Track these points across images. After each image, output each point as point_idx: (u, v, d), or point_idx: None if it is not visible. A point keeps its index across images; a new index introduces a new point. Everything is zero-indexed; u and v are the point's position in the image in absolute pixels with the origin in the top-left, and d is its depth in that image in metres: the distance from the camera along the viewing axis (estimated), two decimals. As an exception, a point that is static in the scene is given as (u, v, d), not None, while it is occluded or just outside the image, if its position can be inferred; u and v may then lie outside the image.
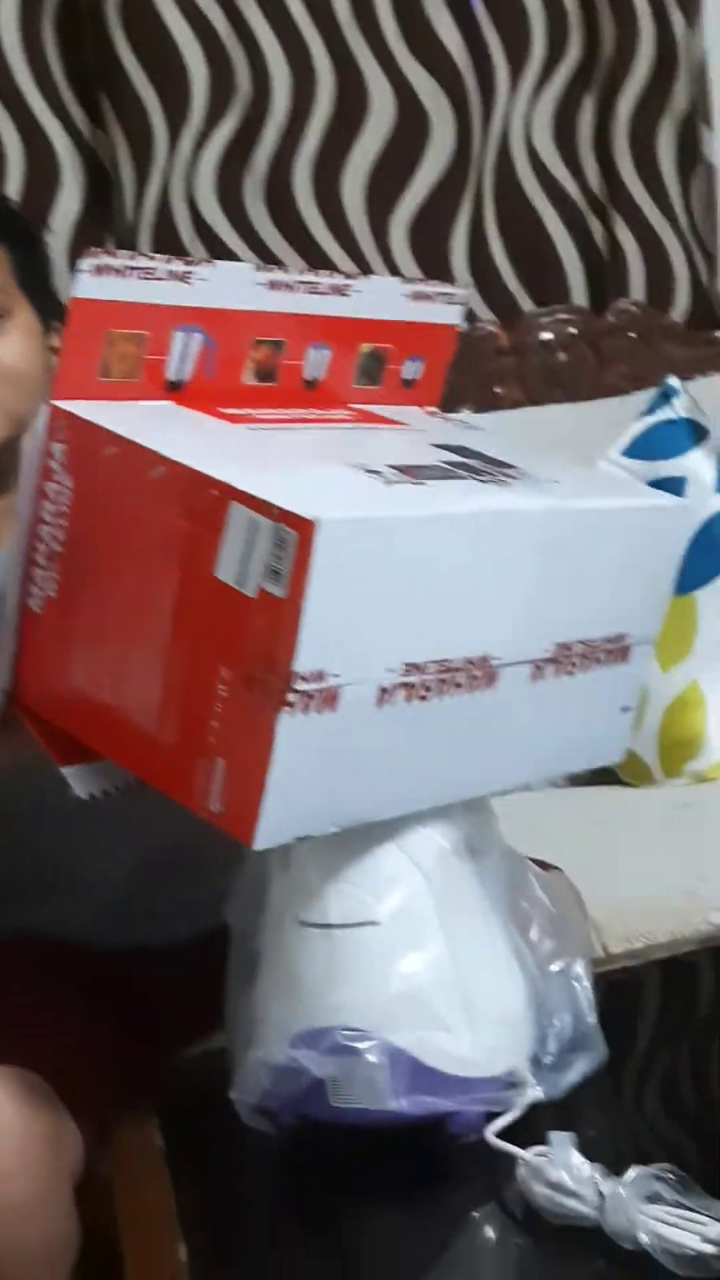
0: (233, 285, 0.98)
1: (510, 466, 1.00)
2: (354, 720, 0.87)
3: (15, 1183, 1.03)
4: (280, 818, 0.88)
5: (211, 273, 0.97)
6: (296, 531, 0.82)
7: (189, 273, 0.95)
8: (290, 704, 0.84)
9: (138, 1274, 0.94)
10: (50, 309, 1.25)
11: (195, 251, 1.75)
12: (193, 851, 1.20)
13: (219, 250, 1.76)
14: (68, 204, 1.74)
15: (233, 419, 0.99)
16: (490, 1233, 0.96)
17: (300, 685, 0.84)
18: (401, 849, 1.00)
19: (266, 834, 0.88)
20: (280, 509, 0.83)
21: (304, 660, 0.83)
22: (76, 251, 1.72)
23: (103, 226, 1.76)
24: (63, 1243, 1.08)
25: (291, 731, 0.84)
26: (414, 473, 0.94)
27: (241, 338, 1.00)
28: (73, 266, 1.59)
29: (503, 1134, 0.96)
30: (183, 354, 0.98)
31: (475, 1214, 0.96)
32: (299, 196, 1.77)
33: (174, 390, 0.99)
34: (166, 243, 1.74)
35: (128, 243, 1.74)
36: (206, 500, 0.86)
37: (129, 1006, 1.24)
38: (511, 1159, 0.93)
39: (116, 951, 1.27)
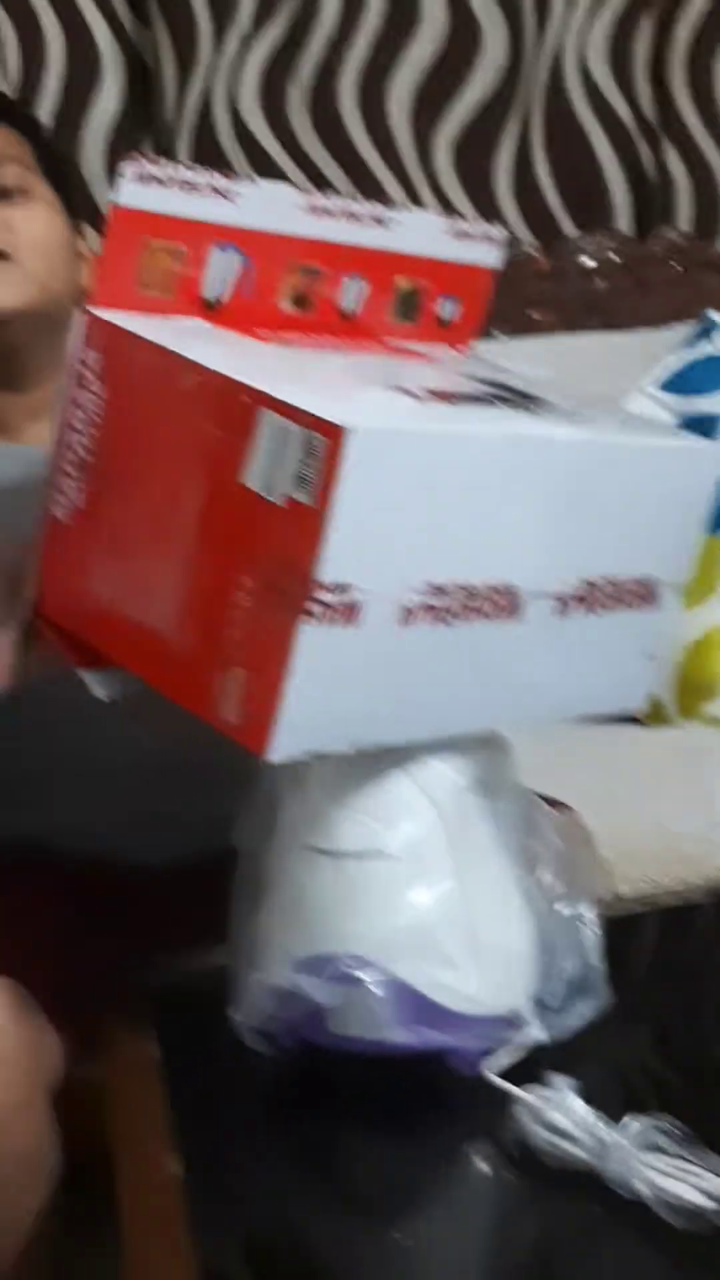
0: (274, 206, 0.96)
1: (544, 400, 0.99)
2: (375, 638, 0.86)
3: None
4: (296, 730, 0.87)
5: (253, 190, 0.95)
6: (327, 438, 0.81)
7: (230, 189, 0.93)
8: (312, 614, 0.83)
9: (127, 1185, 0.94)
10: (76, 208, 1.25)
11: (236, 160, 1.72)
12: (204, 767, 1.21)
13: (260, 159, 1.73)
14: (107, 101, 1.70)
15: (267, 340, 0.98)
16: (484, 1169, 0.96)
17: (322, 595, 0.83)
18: (415, 781, 0.99)
19: (281, 746, 0.87)
20: (312, 415, 0.81)
21: (328, 570, 0.82)
22: (114, 149, 1.70)
23: (142, 127, 1.72)
24: (40, 1152, 1.08)
25: (311, 642, 0.84)
26: (447, 396, 0.93)
27: (279, 261, 0.98)
28: (110, 166, 1.59)
29: (502, 1074, 0.96)
30: (220, 273, 0.97)
31: (469, 1149, 0.96)
32: (344, 107, 1.73)
33: (209, 309, 0.98)
34: (207, 149, 1.71)
35: (167, 145, 1.70)
36: (237, 406, 0.85)
37: (127, 916, 1.24)
38: (509, 1098, 0.93)
39: (120, 861, 1.27)
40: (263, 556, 0.85)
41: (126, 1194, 0.93)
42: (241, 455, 0.85)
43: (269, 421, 0.83)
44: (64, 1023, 1.10)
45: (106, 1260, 1.18)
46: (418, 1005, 0.96)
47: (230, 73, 1.69)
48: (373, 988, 0.95)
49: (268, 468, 0.84)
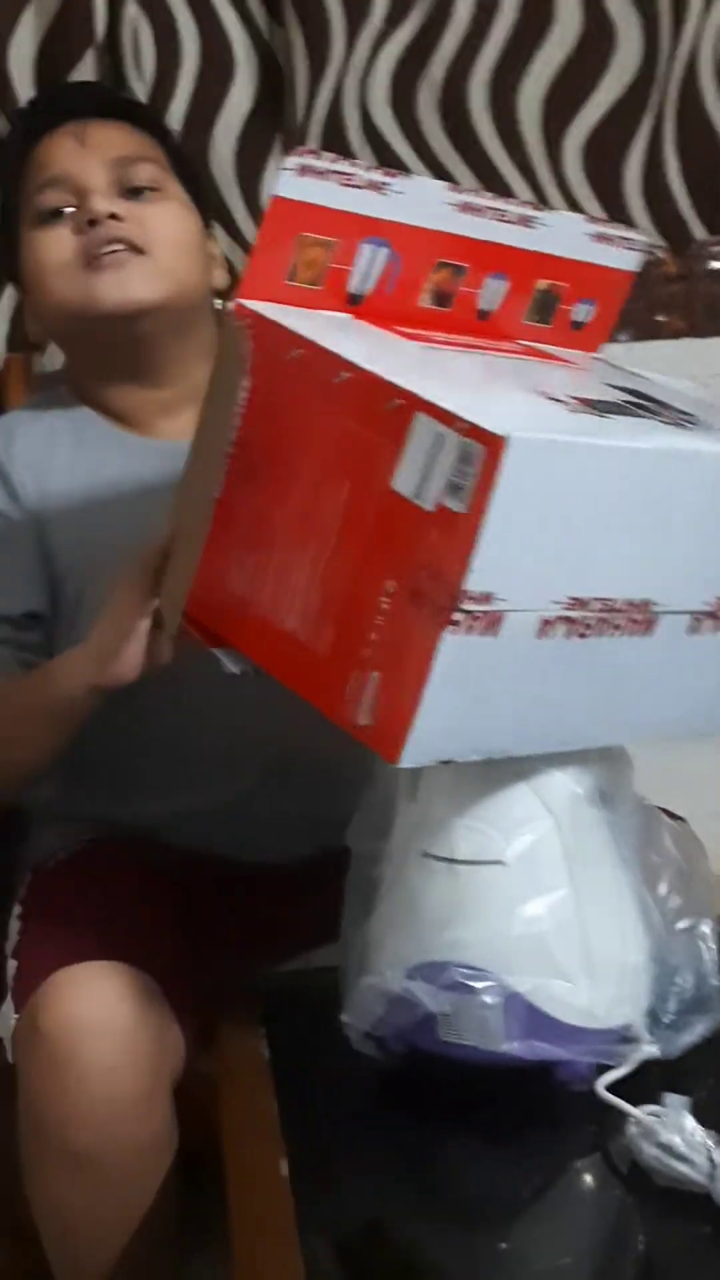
0: (425, 202, 0.96)
1: (686, 412, 0.97)
2: (513, 648, 0.86)
3: (122, 1077, 1.05)
4: (428, 738, 0.87)
5: (406, 186, 0.95)
6: (485, 447, 0.80)
7: (385, 183, 0.93)
8: (455, 622, 0.82)
9: (237, 1183, 0.95)
10: (206, 209, 1.26)
11: (363, 158, 1.71)
12: (323, 765, 1.22)
13: (389, 159, 1.72)
14: (239, 99, 1.71)
15: (409, 338, 0.97)
16: (591, 1183, 0.96)
17: (467, 605, 0.82)
18: (534, 791, 0.99)
19: (412, 752, 0.87)
20: (469, 423, 0.81)
21: (475, 580, 0.82)
22: (244, 149, 1.70)
23: (272, 126, 1.72)
24: (163, 1141, 1.10)
25: (452, 650, 0.83)
26: (593, 405, 0.92)
27: (425, 257, 0.99)
28: (240, 165, 1.60)
29: (613, 1089, 0.95)
30: (368, 267, 0.97)
31: (577, 1163, 0.96)
32: (473, 107, 1.71)
33: (354, 303, 0.98)
34: (336, 148, 1.70)
35: (296, 145, 1.70)
36: (390, 409, 0.84)
37: (243, 911, 1.25)
38: (620, 1114, 0.93)
39: (237, 858, 1.28)
40: (408, 561, 0.84)
41: (236, 1192, 0.93)
42: (392, 458, 0.84)
43: (424, 426, 0.83)
44: (183, 1017, 1.11)
45: (216, 1254, 1.20)
46: (530, 1017, 0.95)
47: (361, 72, 1.69)
48: (485, 997, 0.95)
49: (420, 473, 0.83)
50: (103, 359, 1.26)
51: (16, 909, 1.25)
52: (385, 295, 0.98)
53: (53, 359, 1.70)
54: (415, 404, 0.83)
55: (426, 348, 0.97)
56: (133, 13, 1.64)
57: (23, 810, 1.38)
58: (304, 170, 0.90)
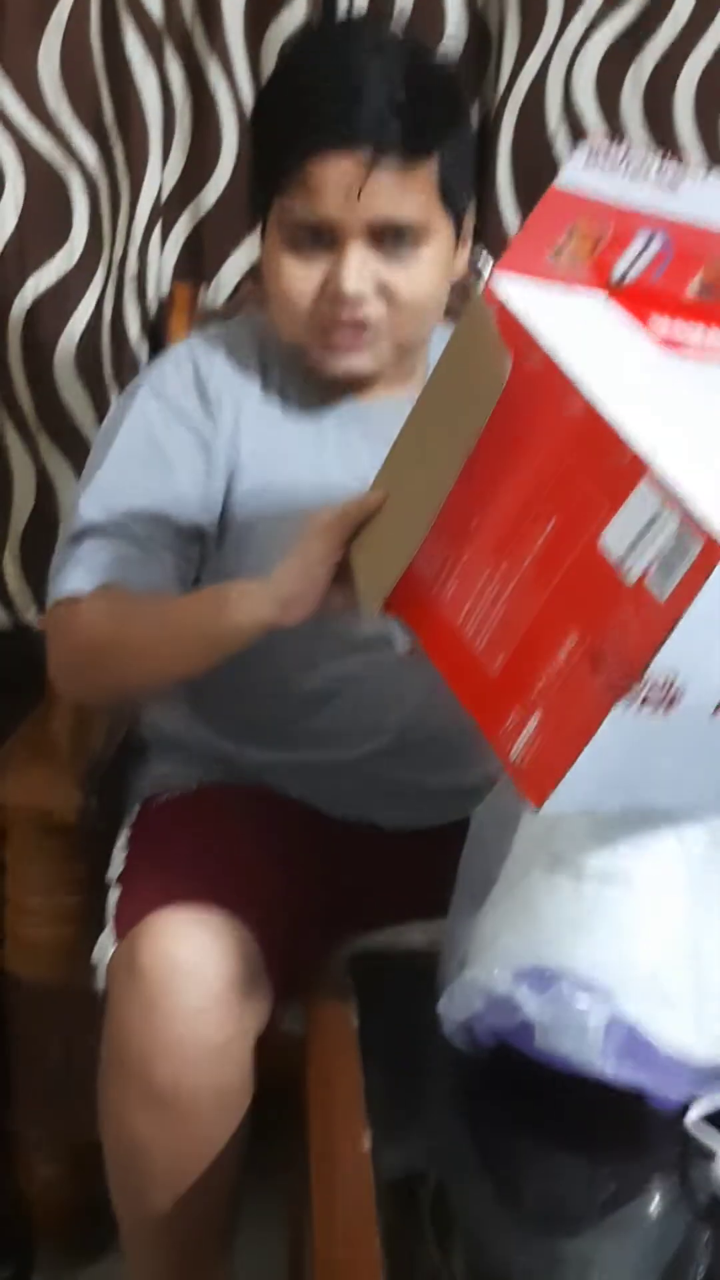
0: (716, 202, 0.94)
1: None
2: (684, 724, 0.85)
3: (208, 1020, 1.07)
4: (574, 791, 0.87)
5: (702, 186, 0.92)
6: (702, 546, 0.78)
7: (677, 180, 0.91)
8: (630, 697, 0.82)
9: (320, 1153, 0.96)
10: (462, 212, 1.24)
11: (557, 143, 1.69)
12: (452, 742, 1.22)
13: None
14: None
15: (663, 341, 0.96)
16: (668, 1210, 0.96)
17: (647, 685, 0.82)
18: (668, 820, 0.99)
19: (556, 802, 0.87)
20: (694, 517, 0.79)
21: (659, 666, 0.81)
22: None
23: (469, 93, 1.70)
24: (240, 1088, 1.12)
25: (620, 720, 0.83)
26: None
27: (701, 253, 0.96)
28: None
29: (705, 1121, 0.96)
30: (638, 255, 0.95)
31: (656, 1188, 0.97)
32: (678, 109, 1.69)
33: (614, 286, 0.96)
34: (530, 127, 1.68)
35: (492, 116, 1.69)
36: (616, 464, 0.83)
37: (347, 874, 1.26)
38: (708, 1149, 0.93)
39: (348, 818, 1.29)
40: (597, 623, 0.84)
41: (318, 1163, 0.95)
42: (607, 514, 0.83)
43: (646, 497, 0.81)
44: (274, 969, 1.13)
45: (268, 1204, 1.21)
46: (630, 1041, 0.96)
47: (571, 51, 1.66)
48: (589, 1016, 0.95)
49: (629, 542, 0.82)
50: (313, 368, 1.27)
51: (124, 836, 1.28)
52: (649, 284, 0.96)
53: (218, 293, 1.70)
54: (642, 471, 0.81)
55: (672, 358, 0.95)
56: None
57: (140, 738, 1.39)
58: (592, 159, 0.87)
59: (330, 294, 1.19)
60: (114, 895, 1.20)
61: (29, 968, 1.38)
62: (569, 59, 1.67)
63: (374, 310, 1.20)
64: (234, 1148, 1.11)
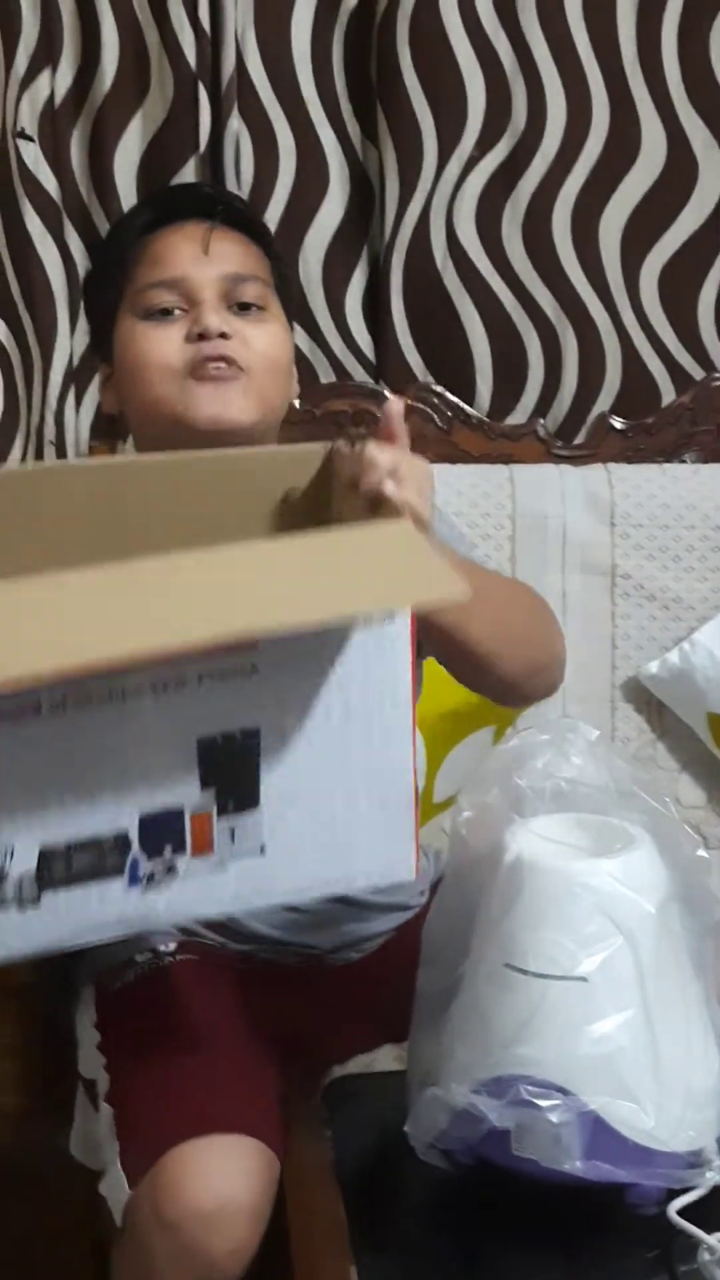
0: None
1: None
2: None
3: (248, 1250, 1.07)
4: None
5: None
6: None
7: None
8: None
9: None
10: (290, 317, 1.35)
11: (446, 276, 1.76)
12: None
13: (471, 279, 1.78)
14: (330, 212, 1.77)
15: None
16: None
17: None
18: (604, 910, 1.00)
19: None
20: None
21: None
22: (332, 260, 1.76)
23: (359, 239, 1.78)
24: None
25: None
26: None
27: None
28: (326, 271, 1.66)
29: (685, 1213, 0.96)
30: None
31: (647, 1287, 0.96)
32: (556, 233, 1.77)
33: None
34: (419, 265, 1.76)
35: (382, 259, 1.76)
36: None
37: (317, 1007, 1.26)
38: (693, 1240, 0.93)
39: (314, 945, 1.29)
40: None
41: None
42: None
43: None
44: (281, 1146, 1.12)
45: None
46: (598, 1136, 0.96)
47: (450, 192, 1.74)
48: (551, 1115, 0.96)
49: None
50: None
51: (94, 1034, 1.24)
52: None
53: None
54: None
55: None
56: (235, 125, 1.69)
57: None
58: None
59: (193, 337, 1.23)
60: (107, 1113, 1.17)
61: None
62: (448, 200, 1.75)
63: (236, 350, 1.23)
64: None
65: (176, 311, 1.25)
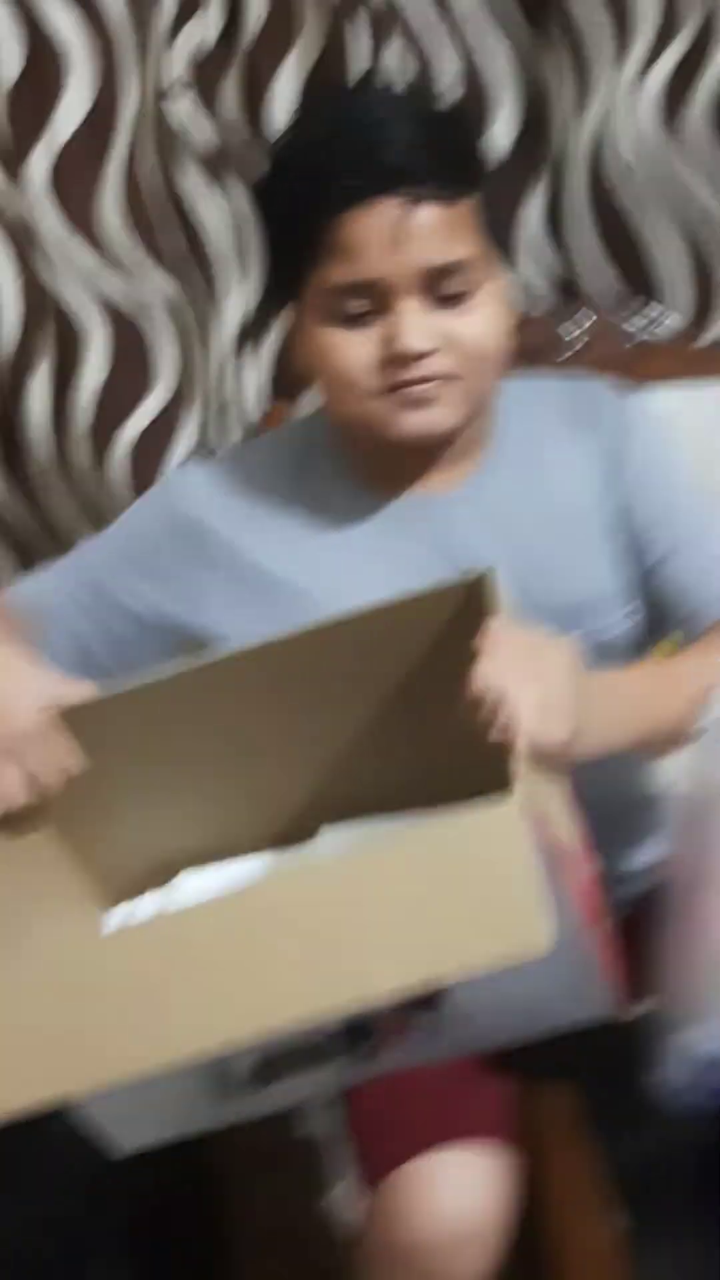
0: None
1: None
2: None
3: (487, 1269, 1.01)
4: None
5: None
6: None
7: None
8: None
9: (567, 1243, 0.89)
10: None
11: (631, 185, 1.65)
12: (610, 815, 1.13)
13: (661, 186, 1.66)
14: (502, 131, 1.68)
15: None
16: None
17: None
18: None
19: None
20: None
21: None
22: (507, 179, 1.66)
23: (534, 155, 1.68)
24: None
25: None
26: None
27: None
28: (502, 197, 1.50)
29: None
30: None
31: None
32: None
33: None
34: (602, 175, 1.65)
35: (559, 174, 1.66)
36: None
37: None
38: None
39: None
40: None
41: (566, 1252, 0.87)
42: None
43: None
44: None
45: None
46: None
47: (629, 94, 1.63)
48: None
49: None
50: (376, 450, 1.18)
51: None
52: None
53: (312, 406, 1.68)
54: None
55: None
56: (394, 50, 1.61)
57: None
58: None
59: (391, 357, 1.09)
60: (338, 1119, 1.13)
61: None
62: (628, 99, 1.64)
63: (442, 364, 1.10)
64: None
65: (369, 315, 1.10)
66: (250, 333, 1.67)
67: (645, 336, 1.65)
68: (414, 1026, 0.96)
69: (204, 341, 1.65)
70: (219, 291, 1.65)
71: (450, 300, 1.10)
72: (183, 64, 1.60)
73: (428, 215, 1.07)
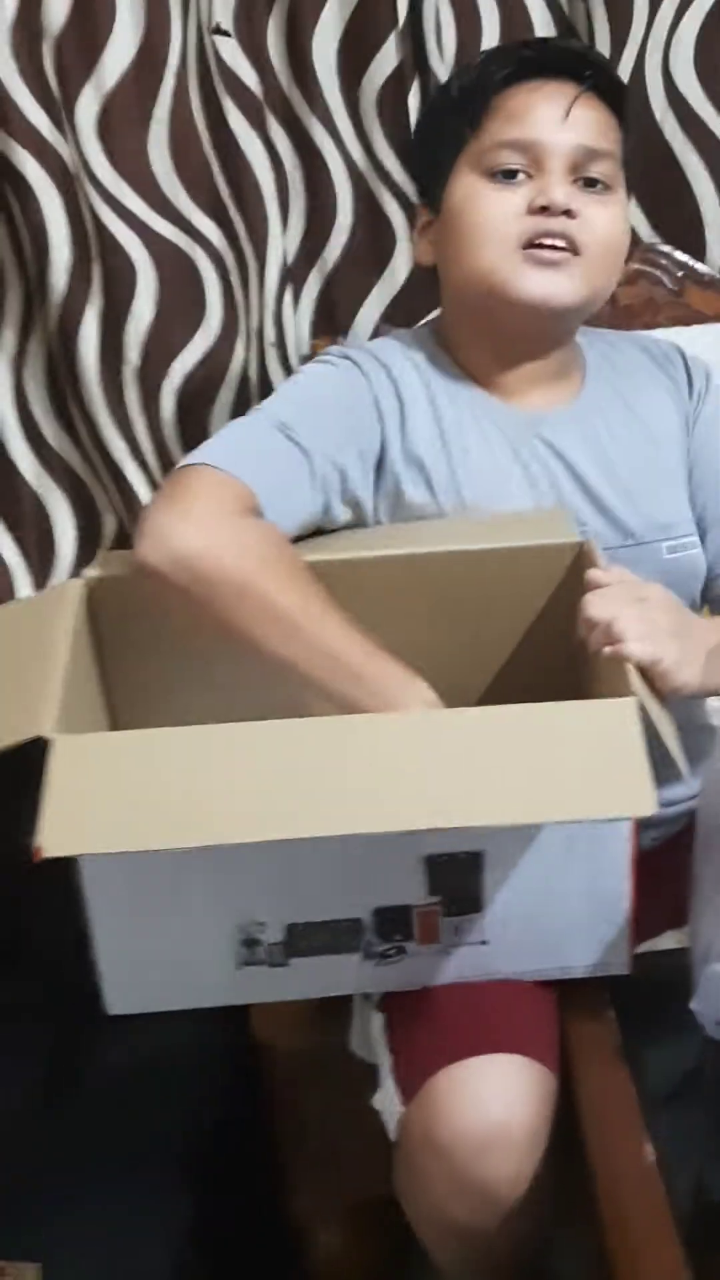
0: None
1: None
2: None
3: (526, 1175, 1.04)
4: None
5: None
6: None
7: None
8: None
9: (605, 1172, 0.93)
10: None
11: (666, 128, 1.67)
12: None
13: (694, 129, 1.68)
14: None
15: None
16: None
17: None
18: None
19: None
20: None
21: None
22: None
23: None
24: (549, 1180, 1.07)
25: None
26: None
27: None
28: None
29: None
30: None
31: None
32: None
33: None
34: (637, 119, 1.66)
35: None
36: None
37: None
38: None
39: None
40: None
41: (604, 1182, 0.92)
42: None
43: None
44: (555, 1058, 1.09)
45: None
46: None
47: (664, 39, 1.65)
48: None
49: None
50: (490, 328, 1.27)
51: None
52: None
53: (357, 342, 1.71)
54: None
55: None
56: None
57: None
58: None
59: (535, 209, 1.19)
60: (379, 1023, 1.16)
61: (280, 1034, 1.38)
62: (663, 44, 1.65)
63: (578, 231, 1.20)
64: (547, 1190, 1.07)
65: (521, 175, 1.21)
66: (291, 276, 1.70)
67: (683, 278, 1.68)
68: (446, 930, 1.04)
69: (248, 282, 1.68)
70: (264, 233, 1.67)
71: (591, 186, 1.21)
72: (226, 8, 1.62)
73: (592, 105, 1.22)
